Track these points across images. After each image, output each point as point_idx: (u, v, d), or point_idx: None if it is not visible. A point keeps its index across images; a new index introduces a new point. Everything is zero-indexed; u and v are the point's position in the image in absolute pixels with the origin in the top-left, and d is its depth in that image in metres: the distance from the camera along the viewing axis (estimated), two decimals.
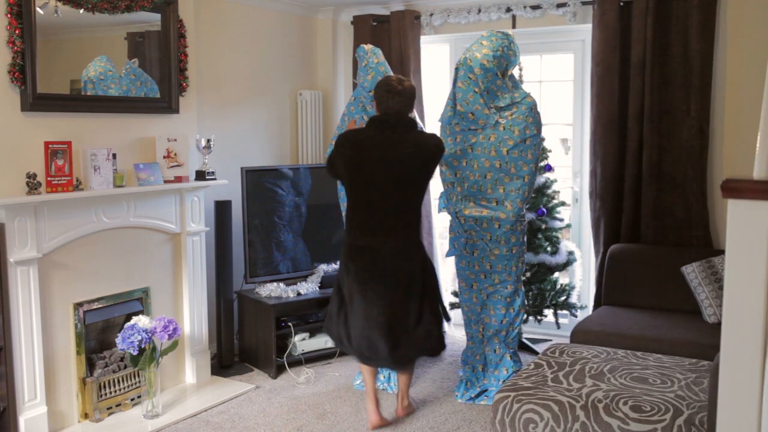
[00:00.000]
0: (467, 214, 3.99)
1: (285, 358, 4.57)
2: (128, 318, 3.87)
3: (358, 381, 4.30)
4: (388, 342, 3.48)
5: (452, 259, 4.47)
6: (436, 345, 3.70)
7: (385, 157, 3.40)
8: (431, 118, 5.21)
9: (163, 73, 4.17)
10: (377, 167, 3.42)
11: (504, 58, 3.90)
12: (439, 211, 4.24)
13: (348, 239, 3.54)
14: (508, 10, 4.96)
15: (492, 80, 3.86)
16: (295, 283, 4.77)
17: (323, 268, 4.93)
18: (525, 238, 4.07)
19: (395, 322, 3.50)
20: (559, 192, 4.90)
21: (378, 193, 3.44)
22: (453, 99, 3.97)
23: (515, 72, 4.44)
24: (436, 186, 4.56)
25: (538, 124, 3.91)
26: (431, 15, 5.24)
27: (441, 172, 4.08)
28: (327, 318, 3.79)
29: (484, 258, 4.01)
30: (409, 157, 3.40)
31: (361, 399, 4.12)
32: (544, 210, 4.76)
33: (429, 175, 3.53)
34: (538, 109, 3.94)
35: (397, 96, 3.41)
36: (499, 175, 3.91)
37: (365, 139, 3.48)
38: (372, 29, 5.38)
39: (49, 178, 3.49)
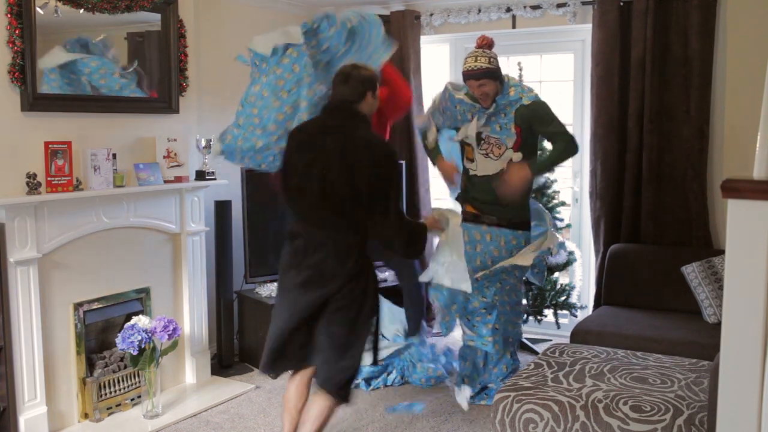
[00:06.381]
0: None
1: None
2: (128, 318, 3.87)
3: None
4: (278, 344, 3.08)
5: None
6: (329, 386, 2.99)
7: (310, 145, 2.90)
8: None
9: (163, 73, 4.17)
10: (301, 155, 2.94)
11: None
12: None
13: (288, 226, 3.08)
14: (508, 10, 4.96)
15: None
16: None
17: None
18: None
19: (298, 328, 3.00)
20: (559, 192, 4.90)
21: (298, 181, 2.93)
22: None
23: (515, 73, 4.43)
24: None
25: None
26: (431, 15, 5.23)
27: None
28: None
29: (487, 253, 4.00)
30: (336, 150, 2.81)
31: (362, 400, 4.11)
32: None
33: (355, 183, 2.77)
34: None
35: (340, 85, 2.95)
36: None
37: (305, 125, 3.05)
38: None
39: (49, 178, 3.49)
